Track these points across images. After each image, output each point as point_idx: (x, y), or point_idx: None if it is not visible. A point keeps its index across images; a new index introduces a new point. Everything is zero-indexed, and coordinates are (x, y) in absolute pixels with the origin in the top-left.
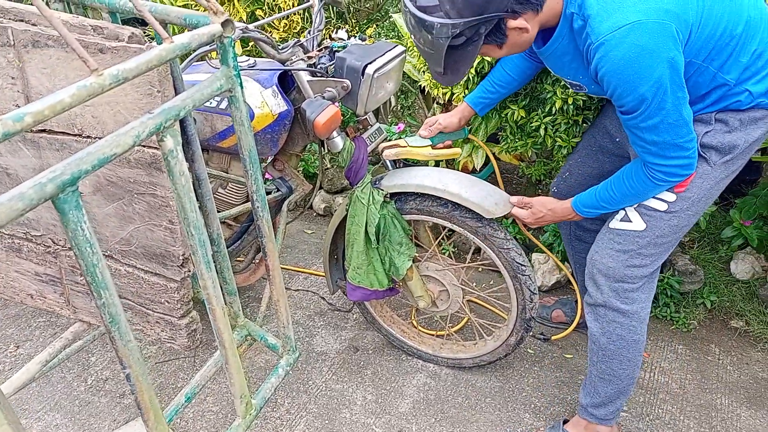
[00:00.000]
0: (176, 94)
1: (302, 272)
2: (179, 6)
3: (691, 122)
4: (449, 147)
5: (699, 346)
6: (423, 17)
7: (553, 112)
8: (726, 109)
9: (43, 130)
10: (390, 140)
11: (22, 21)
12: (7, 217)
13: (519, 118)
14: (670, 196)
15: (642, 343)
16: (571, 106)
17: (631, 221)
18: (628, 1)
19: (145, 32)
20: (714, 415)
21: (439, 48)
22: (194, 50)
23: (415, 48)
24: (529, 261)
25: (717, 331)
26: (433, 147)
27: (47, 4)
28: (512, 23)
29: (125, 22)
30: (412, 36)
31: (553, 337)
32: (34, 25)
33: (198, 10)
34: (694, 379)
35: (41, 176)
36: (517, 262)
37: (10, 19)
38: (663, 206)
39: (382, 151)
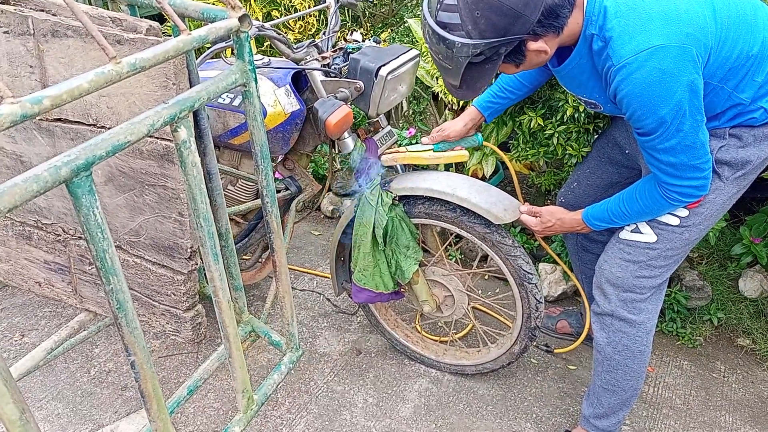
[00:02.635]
0: (191, 87)
1: (308, 273)
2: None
3: (707, 144)
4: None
5: (704, 362)
6: (444, 35)
7: (565, 119)
8: (740, 125)
9: (59, 119)
10: (400, 145)
11: (42, 11)
12: (22, 197)
13: (536, 125)
14: (683, 212)
15: (647, 354)
16: (583, 114)
17: (642, 233)
18: (650, 24)
19: (162, 30)
20: None
21: (458, 65)
22: (211, 43)
23: (428, 53)
24: (536, 271)
25: (723, 349)
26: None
27: None
28: (532, 45)
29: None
30: (429, 47)
31: (556, 350)
32: (54, 15)
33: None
34: (699, 395)
35: (56, 159)
36: (524, 270)
37: (30, 8)
38: (675, 221)
39: (380, 158)
